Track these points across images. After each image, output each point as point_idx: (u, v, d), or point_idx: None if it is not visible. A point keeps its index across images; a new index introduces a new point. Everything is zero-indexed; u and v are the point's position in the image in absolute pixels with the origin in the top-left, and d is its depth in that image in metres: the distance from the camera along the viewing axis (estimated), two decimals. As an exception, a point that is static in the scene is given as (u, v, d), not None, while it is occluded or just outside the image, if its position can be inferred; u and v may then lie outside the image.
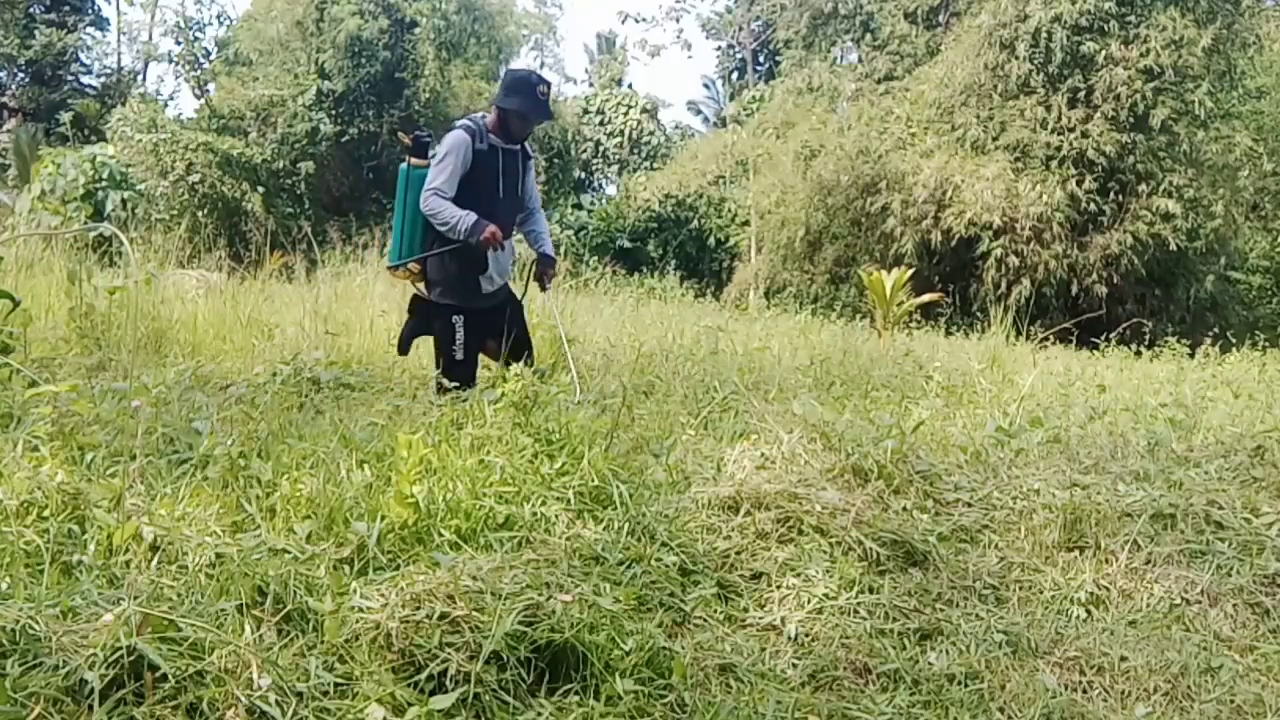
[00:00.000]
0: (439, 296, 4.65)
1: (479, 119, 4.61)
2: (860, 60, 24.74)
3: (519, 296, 4.94)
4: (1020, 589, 3.17)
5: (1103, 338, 12.09)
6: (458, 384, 4.15)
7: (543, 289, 4.85)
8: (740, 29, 30.87)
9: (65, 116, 25.74)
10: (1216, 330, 13.78)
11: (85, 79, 31.56)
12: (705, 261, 22.14)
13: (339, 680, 2.01)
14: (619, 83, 30.67)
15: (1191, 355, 10.72)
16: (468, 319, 4.58)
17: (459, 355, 4.55)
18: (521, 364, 3.99)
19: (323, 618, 2.16)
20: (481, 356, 4.72)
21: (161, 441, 3.25)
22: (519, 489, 3.03)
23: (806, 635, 2.74)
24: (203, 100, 23.83)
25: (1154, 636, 2.88)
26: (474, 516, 2.85)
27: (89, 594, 2.09)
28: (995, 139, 17.43)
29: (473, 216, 4.43)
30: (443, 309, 4.63)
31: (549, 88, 4.63)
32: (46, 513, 2.52)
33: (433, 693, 2.02)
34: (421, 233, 4.60)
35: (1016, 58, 17.21)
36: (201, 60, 25.55)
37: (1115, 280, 16.52)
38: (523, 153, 4.73)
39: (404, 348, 4.90)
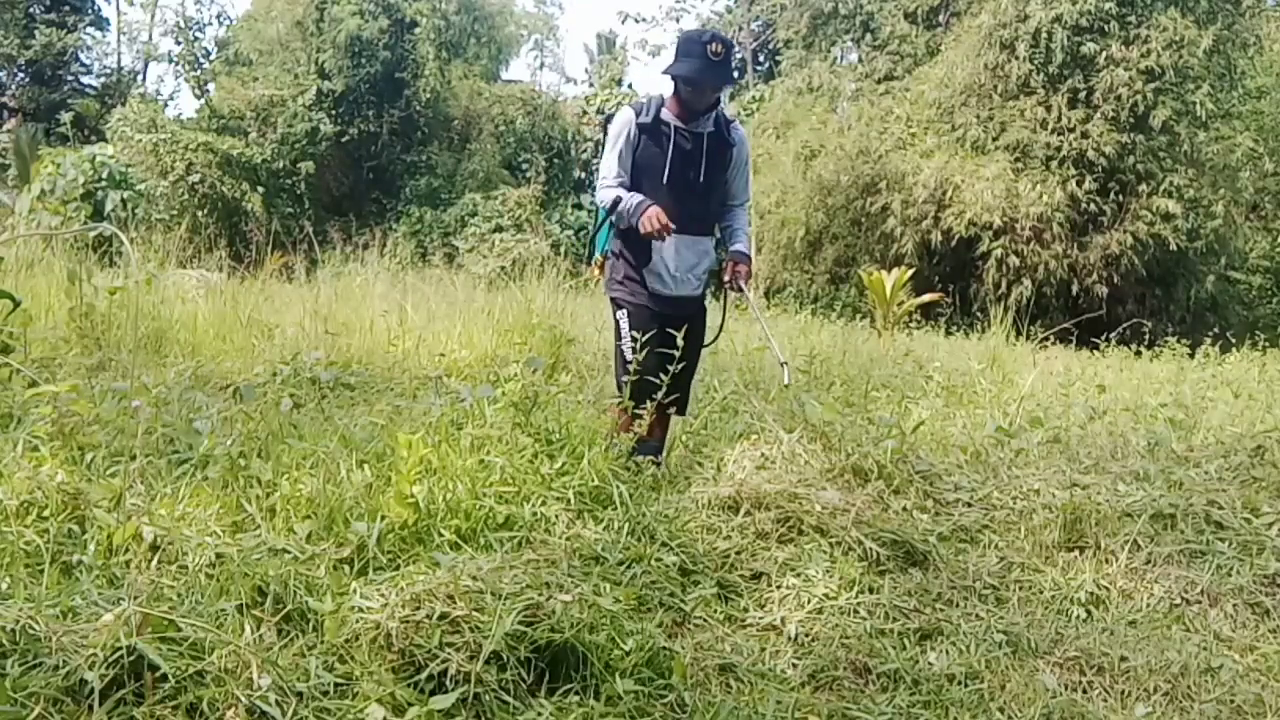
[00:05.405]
0: (607, 289, 4.14)
1: (659, 97, 4.03)
2: (860, 60, 24.78)
3: (715, 327, 4.28)
4: (1020, 589, 3.17)
5: (1103, 338, 12.08)
6: (631, 389, 3.71)
7: (736, 289, 4.13)
8: (740, 29, 30.88)
9: (65, 116, 25.72)
10: (1216, 330, 13.76)
11: (85, 79, 31.59)
12: (705, 261, 22.15)
13: (339, 680, 2.01)
14: (619, 83, 30.66)
15: (1191, 355, 10.71)
16: (634, 311, 3.96)
17: (628, 353, 3.88)
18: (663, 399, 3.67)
19: (323, 618, 2.16)
20: None
21: (161, 441, 3.25)
22: (519, 489, 3.03)
23: (806, 635, 2.75)
24: (203, 100, 23.82)
25: (1154, 636, 2.88)
26: (474, 516, 2.85)
27: (89, 594, 2.09)
28: (995, 139, 17.44)
29: (636, 198, 3.85)
30: (610, 304, 4.11)
31: (725, 47, 3.85)
32: (46, 513, 2.52)
33: (433, 693, 2.02)
34: (607, 228, 4.20)
35: (1016, 58, 17.22)
36: (201, 60, 25.55)
37: (1115, 280, 16.52)
38: (716, 136, 3.99)
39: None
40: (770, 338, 4.39)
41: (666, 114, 3.94)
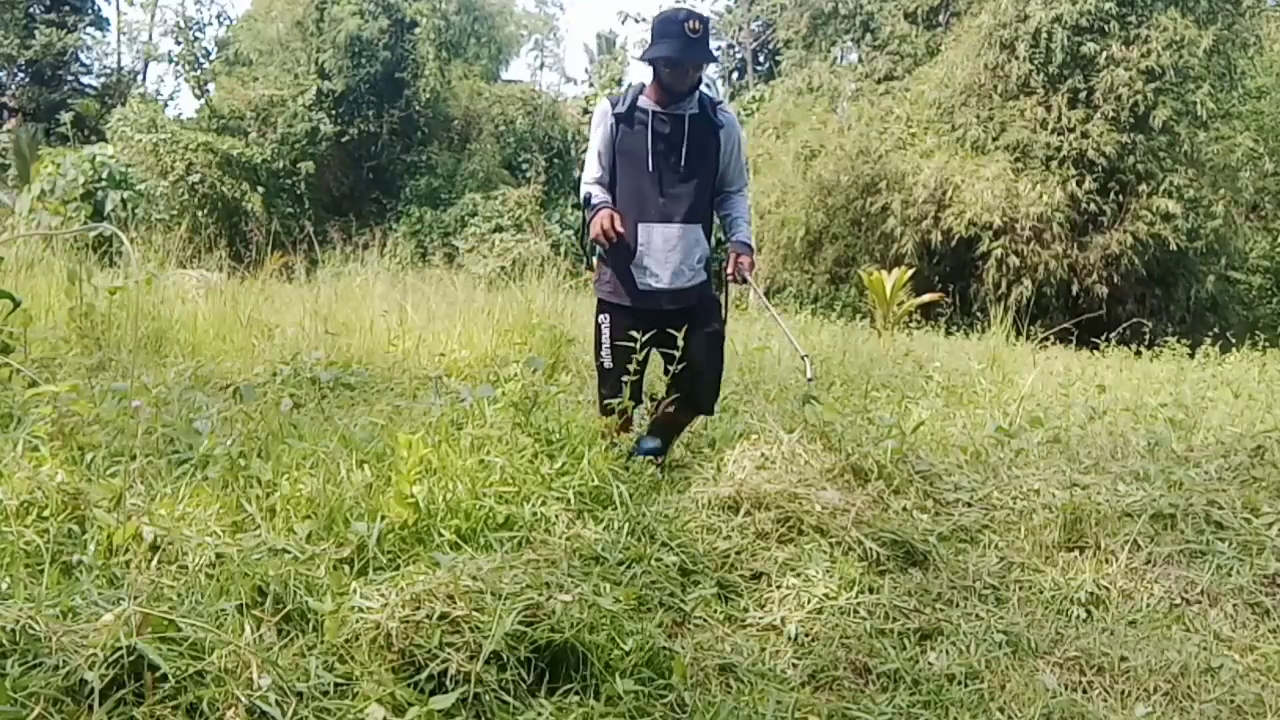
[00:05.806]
0: (596, 290, 3.98)
1: (639, 84, 3.90)
2: (860, 60, 24.80)
3: (719, 318, 4.00)
4: (1020, 589, 3.17)
5: (1103, 338, 12.08)
6: (607, 398, 3.70)
7: (739, 281, 3.96)
8: (740, 29, 30.90)
9: (65, 116, 25.71)
10: (1216, 330, 13.76)
11: (85, 79, 31.60)
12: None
13: (339, 680, 2.01)
14: (619, 83, 30.61)
15: (1191, 355, 10.71)
16: (616, 318, 3.82)
17: (606, 363, 3.82)
18: (676, 400, 3.66)
19: (323, 618, 2.16)
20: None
21: (161, 441, 3.25)
22: (519, 489, 3.03)
23: (806, 635, 2.75)
24: (203, 100, 23.82)
25: (1154, 636, 2.88)
26: (474, 516, 2.85)
27: (89, 594, 2.09)
28: (995, 139, 17.44)
29: (598, 199, 3.77)
30: (596, 305, 3.94)
31: (702, 23, 3.69)
32: (46, 513, 2.52)
33: (433, 693, 2.02)
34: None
35: (1016, 58, 17.23)
36: (201, 60, 25.54)
37: (1115, 280, 16.53)
38: (700, 118, 3.82)
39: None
40: (787, 331, 4.37)
41: (644, 100, 3.80)
